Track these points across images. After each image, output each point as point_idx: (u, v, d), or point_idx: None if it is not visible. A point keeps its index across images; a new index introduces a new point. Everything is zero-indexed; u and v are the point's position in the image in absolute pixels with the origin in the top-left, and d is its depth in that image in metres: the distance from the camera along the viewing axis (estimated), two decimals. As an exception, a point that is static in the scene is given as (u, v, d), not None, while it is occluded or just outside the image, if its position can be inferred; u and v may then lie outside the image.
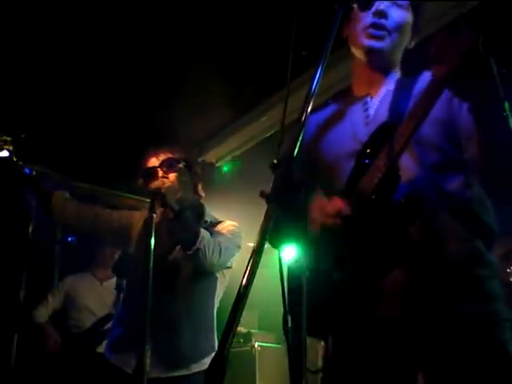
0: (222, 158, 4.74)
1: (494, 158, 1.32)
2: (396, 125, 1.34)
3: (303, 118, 1.12)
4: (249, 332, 4.58)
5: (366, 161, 1.39)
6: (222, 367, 0.88)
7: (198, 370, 2.38)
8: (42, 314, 4.16)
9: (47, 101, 4.02)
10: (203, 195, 2.66)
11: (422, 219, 1.30)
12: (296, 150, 1.07)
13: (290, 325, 0.99)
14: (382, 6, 1.52)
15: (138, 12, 3.25)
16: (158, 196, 2.27)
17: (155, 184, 2.46)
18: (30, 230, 4.49)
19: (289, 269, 1.01)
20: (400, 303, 1.32)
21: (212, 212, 2.70)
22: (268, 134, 4.20)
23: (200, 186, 2.65)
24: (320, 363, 1.51)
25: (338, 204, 1.37)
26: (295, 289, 0.98)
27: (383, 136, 1.36)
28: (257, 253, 0.96)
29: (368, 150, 1.41)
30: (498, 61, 1.23)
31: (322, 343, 1.46)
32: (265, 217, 0.99)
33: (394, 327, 1.34)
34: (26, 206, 4.52)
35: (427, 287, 1.32)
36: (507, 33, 1.19)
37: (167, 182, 2.47)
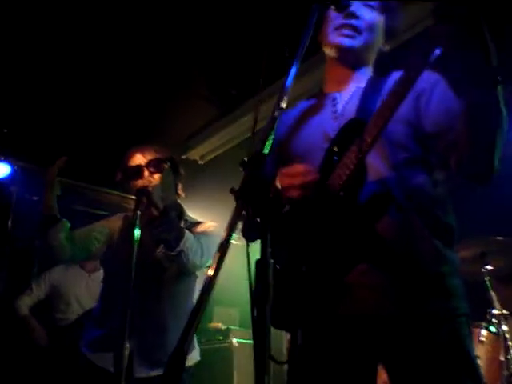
0: (206, 156, 4.76)
1: (477, 126, 1.30)
2: (364, 121, 1.36)
3: (276, 113, 1.15)
4: (228, 328, 4.58)
5: (335, 157, 1.42)
6: (181, 360, 0.90)
7: None
8: (25, 302, 4.12)
9: (30, 96, 4.00)
10: (183, 195, 2.68)
11: (389, 216, 1.34)
12: (266, 147, 1.10)
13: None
14: (353, 7, 1.56)
15: (127, 15, 3.26)
16: (145, 194, 2.29)
17: (141, 182, 2.46)
18: (10, 223, 4.49)
19: (256, 261, 1.04)
20: (363, 299, 1.36)
21: (196, 211, 2.73)
22: (250, 133, 4.21)
23: (180, 187, 2.67)
24: (285, 355, 1.54)
25: (300, 166, 1.41)
26: (261, 280, 1.01)
27: (351, 133, 1.39)
28: (224, 247, 0.99)
29: (335, 148, 1.44)
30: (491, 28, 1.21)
31: (288, 336, 1.50)
32: (233, 213, 1.03)
33: (356, 322, 1.38)
34: (6, 200, 4.52)
35: (390, 283, 1.36)
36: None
37: (153, 181, 2.47)
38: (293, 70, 1.21)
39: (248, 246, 1.11)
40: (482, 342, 3.01)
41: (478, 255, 3.12)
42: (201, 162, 4.83)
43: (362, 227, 1.34)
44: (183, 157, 4.72)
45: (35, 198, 4.62)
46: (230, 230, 1.01)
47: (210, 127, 4.42)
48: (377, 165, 1.41)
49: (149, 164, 2.51)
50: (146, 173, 2.49)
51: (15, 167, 4.43)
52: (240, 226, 1.07)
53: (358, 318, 1.38)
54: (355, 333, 1.39)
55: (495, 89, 1.23)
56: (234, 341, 4.38)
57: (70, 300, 4.16)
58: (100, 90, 3.97)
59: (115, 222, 2.68)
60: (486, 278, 3.11)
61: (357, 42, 1.58)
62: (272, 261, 1.03)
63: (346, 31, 1.57)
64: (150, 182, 2.46)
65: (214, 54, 3.62)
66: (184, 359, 0.92)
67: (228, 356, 4.32)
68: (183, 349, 0.91)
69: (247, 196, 1.03)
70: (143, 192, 2.26)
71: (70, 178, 4.96)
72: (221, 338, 4.53)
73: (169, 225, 2.32)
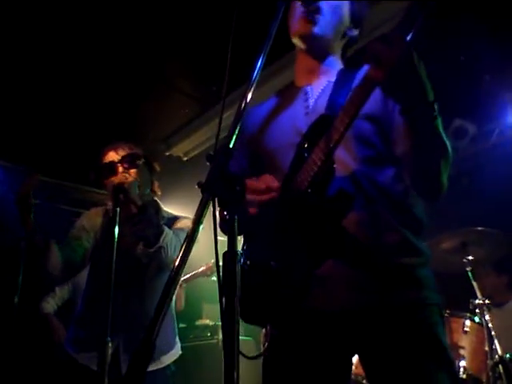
0: (189, 153, 4.75)
1: (422, 159, 1.37)
2: (333, 117, 1.37)
3: (242, 106, 1.16)
4: (216, 325, 4.59)
5: (305, 154, 1.43)
6: (148, 351, 0.90)
7: (168, 362, 2.46)
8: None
9: (12, 95, 3.97)
10: (159, 193, 2.68)
11: (357, 211, 1.35)
12: (232, 141, 1.11)
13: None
14: None
15: (111, 11, 3.24)
16: (122, 191, 2.28)
17: (117, 179, 2.44)
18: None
19: (224, 253, 1.05)
20: (334, 292, 1.37)
21: (180, 207, 2.73)
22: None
23: (156, 184, 2.67)
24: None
25: (267, 179, 1.40)
26: (229, 272, 1.02)
27: (321, 128, 1.39)
28: (190, 239, 1.00)
29: (306, 144, 1.45)
30: (428, 65, 1.28)
31: (263, 330, 1.51)
32: (199, 206, 1.03)
33: (328, 315, 1.39)
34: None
35: (361, 276, 1.37)
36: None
37: (129, 178, 2.46)
38: (259, 63, 1.21)
39: (216, 238, 1.11)
40: (466, 332, 3.04)
41: (459, 246, 3.16)
42: (185, 159, 4.83)
43: (331, 221, 1.35)
44: (167, 153, 4.71)
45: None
46: (197, 222, 1.02)
47: (193, 123, 4.41)
48: (345, 160, 1.43)
49: (122, 160, 2.50)
50: (120, 169, 2.48)
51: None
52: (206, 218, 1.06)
53: (329, 310, 1.39)
54: (327, 325, 1.40)
55: (434, 122, 1.29)
56: (222, 337, 4.38)
57: None
58: (83, 88, 3.95)
59: (96, 219, 2.66)
60: (467, 269, 3.14)
61: (320, 27, 1.56)
62: (240, 252, 1.04)
63: (309, 16, 1.55)
64: (126, 178, 2.44)
65: (195, 51, 3.61)
66: (152, 350, 0.92)
67: (216, 352, 4.32)
68: (151, 340, 0.92)
69: (213, 189, 1.03)
70: (120, 189, 2.26)
71: (54, 178, 4.96)
72: (209, 334, 4.54)
73: (148, 221, 2.32)
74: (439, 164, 1.36)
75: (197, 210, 1.03)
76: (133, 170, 2.49)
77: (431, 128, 1.30)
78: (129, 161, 2.50)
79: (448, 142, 1.35)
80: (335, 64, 1.66)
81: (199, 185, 1.06)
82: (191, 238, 1.00)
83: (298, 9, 1.58)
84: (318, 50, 1.64)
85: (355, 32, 1.67)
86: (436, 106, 1.29)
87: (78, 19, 3.30)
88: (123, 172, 2.48)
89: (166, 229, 2.39)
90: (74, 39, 3.47)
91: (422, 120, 1.30)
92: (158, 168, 2.64)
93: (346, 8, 1.61)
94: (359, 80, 1.32)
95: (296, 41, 1.65)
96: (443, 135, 1.33)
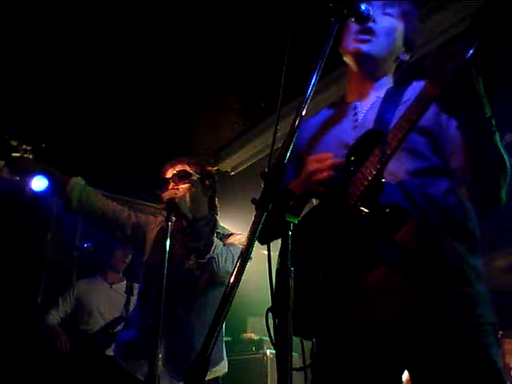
0: (237, 167, 4.81)
1: (480, 173, 1.36)
2: (381, 132, 1.38)
3: (296, 123, 1.18)
4: (261, 339, 4.58)
5: (352, 168, 1.43)
6: (204, 367, 0.92)
7: (209, 377, 2.46)
8: (54, 317, 4.25)
9: (70, 111, 4.12)
10: (218, 208, 2.73)
11: (409, 221, 1.34)
12: (286, 158, 1.12)
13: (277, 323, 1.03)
14: (371, 13, 1.54)
15: (161, 32, 3.34)
16: (172, 205, 2.37)
17: (168, 194, 2.53)
18: (49, 236, 4.63)
19: (277, 269, 1.06)
20: (384, 304, 1.36)
21: (227, 221, 2.78)
22: (281, 144, 4.24)
23: (216, 199, 2.73)
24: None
25: (327, 153, 1.44)
26: (282, 288, 1.03)
27: (369, 143, 1.40)
28: (245, 255, 1.02)
29: (353, 157, 1.45)
30: (487, 80, 1.27)
31: (310, 345, 1.51)
32: (253, 222, 1.05)
33: (377, 329, 1.38)
34: (45, 213, 4.65)
35: (411, 290, 1.35)
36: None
37: (179, 193, 2.53)
38: (313, 80, 1.23)
39: (270, 253, 1.13)
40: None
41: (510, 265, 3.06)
42: (232, 174, 4.88)
43: (381, 233, 1.34)
44: (215, 169, 4.76)
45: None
46: (252, 238, 1.03)
47: (240, 139, 4.47)
48: (396, 172, 1.43)
49: (174, 176, 2.60)
50: (171, 185, 2.58)
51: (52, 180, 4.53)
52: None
53: (378, 324, 1.37)
54: (376, 339, 1.39)
55: (492, 137, 1.28)
56: (268, 352, 4.36)
57: (92, 311, 4.26)
58: (138, 106, 4.05)
59: (153, 226, 2.73)
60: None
61: (373, 47, 1.57)
62: (292, 269, 1.04)
63: (362, 36, 1.57)
64: (175, 193, 2.52)
65: (244, 68, 3.66)
66: (207, 366, 0.93)
67: (262, 367, 4.31)
68: (206, 356, 0.93)
69: (267, 205, 1.05)
70: (170, 203, 2.34)
71: (105, 191, 5.11)
72: (253, 348, 4.53)
73: (197, 234, 2.37)
74: (498, 179, 1.34)
75: (251, 226, 1.04)
76: (183, 186, 2.56)
77: (489, 143, 1.29)
78: (180, 177, 2.60)
79: (507, 157, 1.34)
80: (386, 83, 1.67)
81: (253, 201, 1.08)
82: (246, 254, 1.01)
83: (351, 28, 1.60)
84: (370, 70, 1.64)
85: (407, 56, 1.67)
86: (494, 122, 1.27)
87: (133, 39, 3.41)
88: (173, 188, 2.56)
89: (217, 240, 2.44)
90: (129, 59, 3.58)
91: (480, 135, 1.29)
92: (208, 183, 2.69)
93: (400, 31, 1.62)
94: (413, 93, 1.31)
95: (348, 60, 1.66)
96: (502, 150, 1.32)
